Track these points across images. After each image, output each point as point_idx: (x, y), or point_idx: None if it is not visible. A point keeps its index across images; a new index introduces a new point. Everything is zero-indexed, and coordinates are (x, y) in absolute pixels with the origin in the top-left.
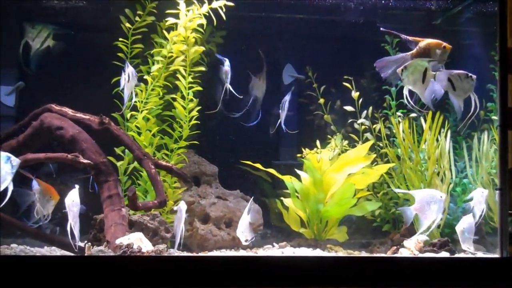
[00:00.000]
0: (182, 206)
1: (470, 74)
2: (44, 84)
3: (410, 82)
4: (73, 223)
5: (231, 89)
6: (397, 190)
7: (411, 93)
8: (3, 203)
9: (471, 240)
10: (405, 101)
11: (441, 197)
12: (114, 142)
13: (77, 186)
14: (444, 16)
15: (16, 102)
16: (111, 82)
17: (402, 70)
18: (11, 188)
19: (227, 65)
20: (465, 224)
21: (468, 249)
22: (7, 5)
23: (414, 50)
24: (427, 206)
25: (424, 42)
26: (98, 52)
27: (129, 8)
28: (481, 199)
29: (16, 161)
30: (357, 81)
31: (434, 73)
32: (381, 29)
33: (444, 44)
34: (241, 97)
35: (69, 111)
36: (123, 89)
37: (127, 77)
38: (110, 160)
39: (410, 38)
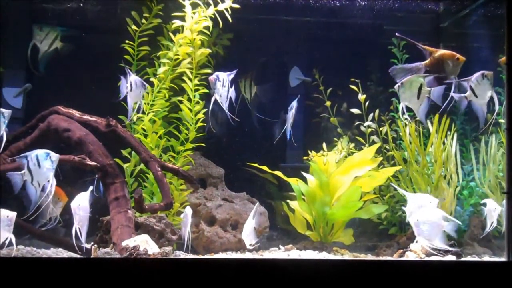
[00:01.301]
0: (188, 211)
1: (485, 73)
2: (51, 86)
3: (406, 98)
4: (79, 226)
5: (218, 99)
6: (392, 185)
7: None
8: (49, 199)
9: (434, 236)
10: (401, 116)
11: (430, 202)
12: (121, 144)
13: (90, 188)
14: (452, 18)
15: (23, 104)
16: (117, 85)
17: (399, 86)
18: (54, 183)
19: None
20: (421, 217)
21: (430, 245)
22: (14, 7)
23: (428, 60)
24: (416, 209)
25: (438, 53)
26: (105, 54)
27: (136, 11)
28: (493, 213)
29: (55, 156)
30: (364, 84)
31: (429, 89)
32: (397, 34)
33: (458, 55)
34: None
35: (76, 113)
36: (124, 97)
37: (130, 86)
38: (117, 162)
39: (424, 47)
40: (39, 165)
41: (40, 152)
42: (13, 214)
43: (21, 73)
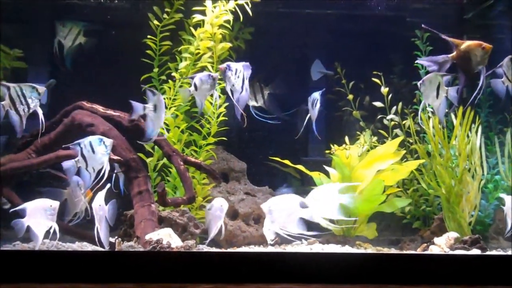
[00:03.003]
0: (221, 204)
1: None
2: (75, 81)
3: (427, 95)
4: (100, 226)
5: (228, 90)
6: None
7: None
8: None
9: (288, 222)
10: (419, 113)
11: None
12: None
13: (108, 185)
14: (476, 10)
15: (47, 100)
16: (140, 79)
17: (421, 84)
18: (108, 168)
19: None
20: (273, 205)
21: (283, 231)
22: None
23: (454, 53)
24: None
25: (464, 44)
26: (127, 48)
27: (157, 6)
28: None
29: (108, 141)
30: (387, 77)
31: (447, 88)
32: (423, 26)
33: (484, 45)
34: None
35: (100, 108)
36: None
37: (194, 86)
38: (140, 157)
39: (450, 39)
40: (93, 151)
41: (93, 138)
42: (56, 204)
43: (44, 69)
